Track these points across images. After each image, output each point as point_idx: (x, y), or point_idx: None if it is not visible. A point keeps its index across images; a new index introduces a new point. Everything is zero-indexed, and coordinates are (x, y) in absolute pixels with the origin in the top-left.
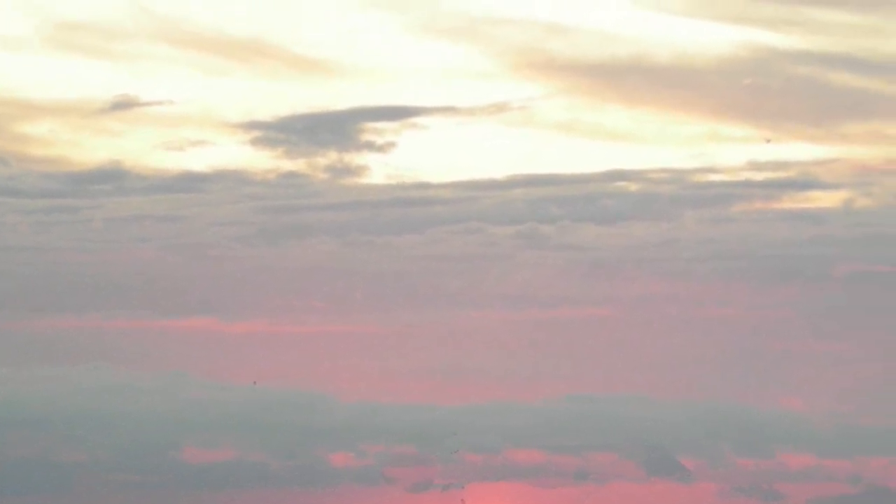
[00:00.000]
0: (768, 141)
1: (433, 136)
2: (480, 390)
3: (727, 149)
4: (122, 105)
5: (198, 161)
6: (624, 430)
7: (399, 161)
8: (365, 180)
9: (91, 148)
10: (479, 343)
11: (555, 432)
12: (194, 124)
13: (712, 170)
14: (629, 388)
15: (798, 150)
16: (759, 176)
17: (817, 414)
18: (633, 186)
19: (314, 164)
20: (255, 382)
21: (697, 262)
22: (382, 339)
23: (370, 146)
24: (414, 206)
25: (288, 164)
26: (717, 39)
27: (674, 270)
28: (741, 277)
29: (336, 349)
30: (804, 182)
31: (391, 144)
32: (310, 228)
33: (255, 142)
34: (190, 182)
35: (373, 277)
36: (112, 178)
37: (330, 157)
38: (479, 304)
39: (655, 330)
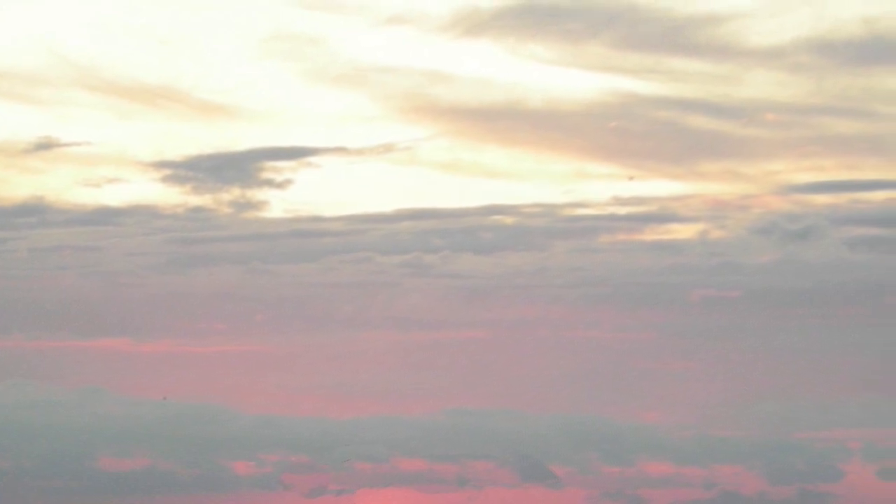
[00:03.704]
0: (631, 178)
1: (326, 174)
2: (369, 405)
3: (594, 185)
4: (44, 146)
5: (113, 197)
6: (500, 441)
7: (296, 197)
8: (265, 214)
9: (16, 185)
10: (367, 362)
11: (437, 443)
12: (110, 163)
13: (580, 205)
14: (505, 403)
15: (658, 186)
16: (622, 210)
17: (675, 425)
18: (508, 220)
19: (219, 199)
20: (164, 397)
21: (567, 289)
22: (280, 357)
23: (269, 183)
24: (309, 237)
25: (195, 200)
26: (585, 86)
27: (545, 296)
28: (606, 302)
29: (238, 367)
30: (664, 216)
31: (289, 181)
32: (215, 258)
33: (165, 179)
34: (106, 216)
35: (271, 302)
36: (35, 212)
37: (233, 193)
38: (368, 327)
39: (528, 350)
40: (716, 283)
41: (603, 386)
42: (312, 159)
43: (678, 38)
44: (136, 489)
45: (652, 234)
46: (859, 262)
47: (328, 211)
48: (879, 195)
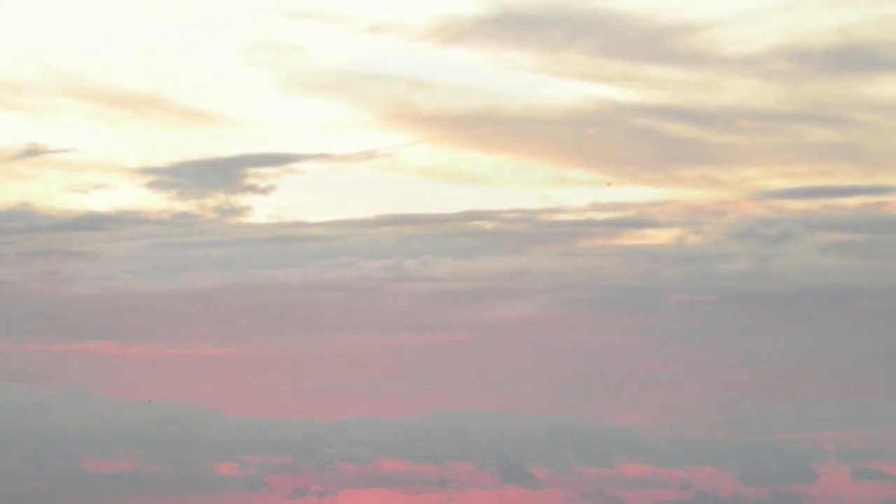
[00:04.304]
0: (609, 184)
1: (309, 180)
2: (352, 407)
3: (572, 191)
4: (32, 152)
5: (100, 202)
6: (480, 442)
7: (279, 202)
8: (249, 220)
9: (3, 190)
10: (350, 365)
11: (418, 444)
12: (96, 169)
13: (559, 210)
14: (485, 405)
15: (636, 192)
16: (600, 216)
17: (652, 427)
18: (488, 225)
19: (203, 205)
20: (149, 400)
21: (546, 293)
22: (264, 360)
23: (253, 189)
24: (292, 242)
25: (180, 206)
26: (564, 93)
27: (525, 300)
28: (585, 306)
29: (222, 370)
30: (641, 221)
31: (272, 187)
32: (199, 262)
33: (151, 185)
34: (93, 221)
35: (255, 306)
36: (23, 218)
37: (217, 198)
38: (351, 330)
39: (508, 353)
40: (692, 287)
41: (582, 388)
42: (295, 165)
43: (655, 46)
44: (122, 491)
45: (629, 240)
46: (833, 267)
47: (311, 216)
48: (853, 201)
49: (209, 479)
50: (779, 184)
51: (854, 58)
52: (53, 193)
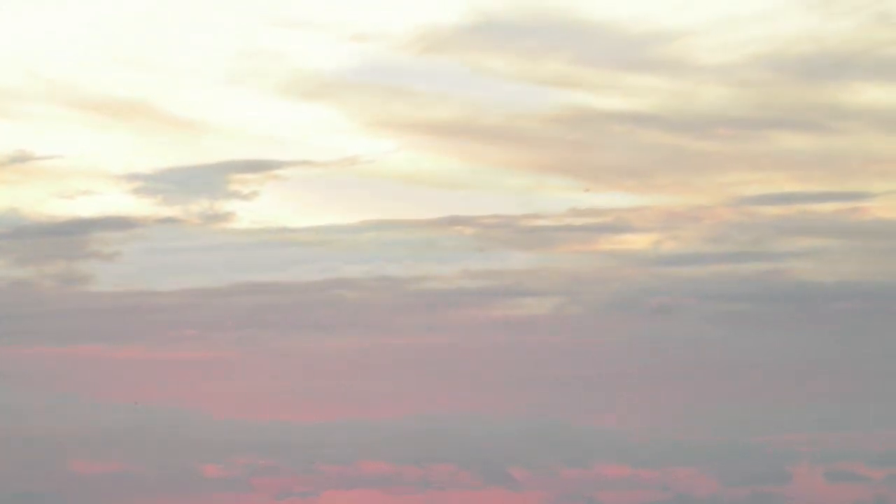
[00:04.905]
0: (587, 190)
1: (292, 186)
2: (336, 409)
3: (551, 197)
4: (20, 159)
5: (86, 208)
6: (462, 444)
7: (262, 208)
8: (233, 225)
9: None
10: (334, 367)
11: (401, 446)
12: (83, 176)
13: (538, 216)
14: (467, 407)
15: (613, 198)
16: (579, 221)
17: (631, 429)
18: (468, 230)
19: (188, 211)
20: (136, 402)
21: (525, 297)
22: (249, 363)
23: (237, 195)
24: (276, 247)
25: (165, 211)
26: (543, 101)
27: (504, 303)
28: (563, 310)
29: (208, 373)
30: (619, 227)
31: (255, 193)
32: (185, 267)
33: (137, 191)
34: (79, 227)
35: (240, 310)
36: (10, 223)
37: (202, 204)
38: (334, 334)
39: (489, 355)
40: (669, 290)
41: (561, 390)
42: (279, 172)
43: (633, 54)
44: (109, 492)
45: (607, 244)
46: (808, 271)
47: (294, 222)
48: (827, 207)
49: (195, 481)
50: (754, 190)
51: (829, 66)
52: (41, 199)
